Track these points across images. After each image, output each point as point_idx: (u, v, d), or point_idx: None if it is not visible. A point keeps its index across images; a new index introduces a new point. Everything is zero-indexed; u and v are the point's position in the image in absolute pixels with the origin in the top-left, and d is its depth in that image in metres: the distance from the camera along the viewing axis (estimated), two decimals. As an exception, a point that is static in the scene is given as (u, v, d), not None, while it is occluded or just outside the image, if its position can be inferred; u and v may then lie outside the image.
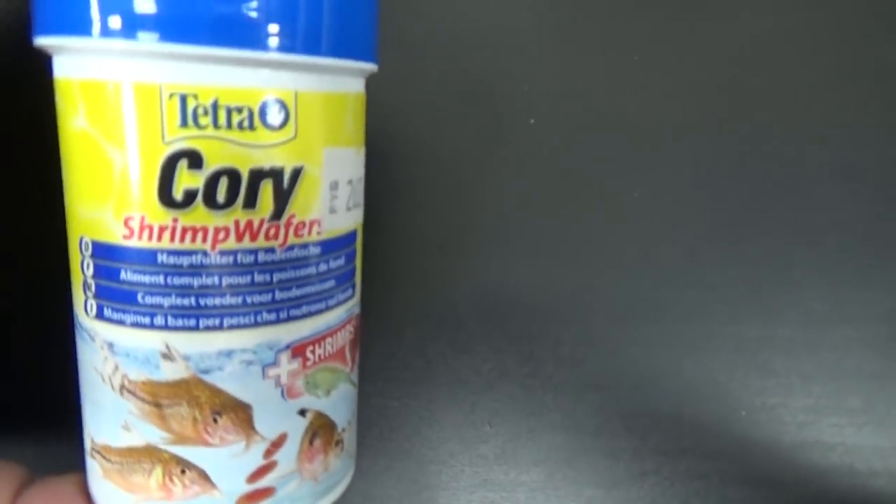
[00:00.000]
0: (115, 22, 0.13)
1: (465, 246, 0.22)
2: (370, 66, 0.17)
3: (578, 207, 0.23)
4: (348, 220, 0.17)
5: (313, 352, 0.17)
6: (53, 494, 0.17)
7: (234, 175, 0.14)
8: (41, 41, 0.14)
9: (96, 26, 0.13)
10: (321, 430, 0.17)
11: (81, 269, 0.15)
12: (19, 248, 0.21)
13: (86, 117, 0.14)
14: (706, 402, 0.22)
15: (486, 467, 0.23)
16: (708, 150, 0.22)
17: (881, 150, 0.22)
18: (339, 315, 0.17)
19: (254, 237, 0.15)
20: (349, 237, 0.17)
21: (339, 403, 0.18)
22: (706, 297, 0.22)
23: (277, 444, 0.17)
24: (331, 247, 0.17)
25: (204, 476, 0.16)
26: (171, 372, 0.15)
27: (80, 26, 0.13)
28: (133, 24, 0.13)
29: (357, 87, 0.17)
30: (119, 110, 0.14)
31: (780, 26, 0.22)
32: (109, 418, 0.16)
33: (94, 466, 0.17)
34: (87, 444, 0.17)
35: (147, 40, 0.13)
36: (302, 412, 0.17)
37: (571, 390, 0.22)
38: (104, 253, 0.15)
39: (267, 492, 0.17)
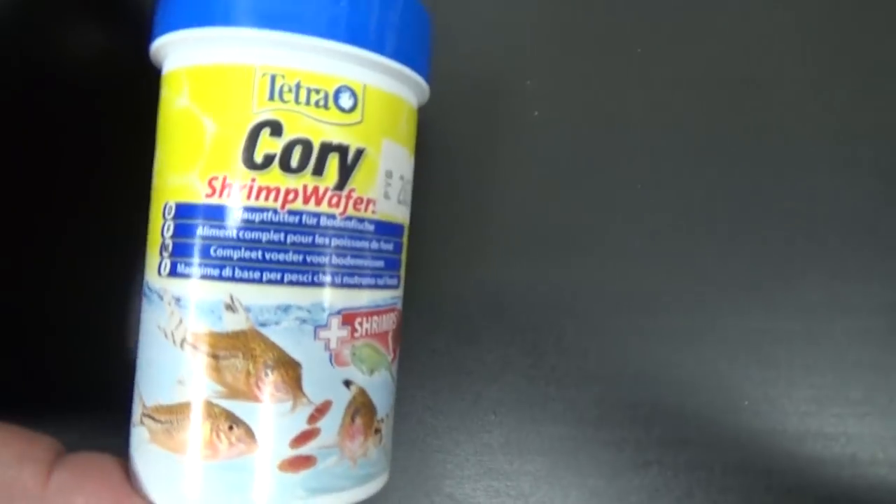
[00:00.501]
0: (220, 13, 0.16)
1: (468, 238, 0.23)
2: (423, 83, 0.19)
3: (582, 200, 0.23)
4: (398, 210, 0.19)
5: (361, 324, 0.18)
6: (89, 466, 0.17)
7: (307, 145, 0.17)
8: (159, 42, 0.17)
9: (204, 18, 0.16)
10: (363, 409, 0.18)
11: (161, 233, 0.17)
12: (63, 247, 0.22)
13: (189, 96, 0.17)
14: (708, 393, 0.22)
15: (490, 456, 0.22)
16: (709, 142, 0.23)
17: (881, 143, 0.23)
18: (386, 298, 0.19)
19: (318, 202, 0.17)
20: (398, 228, 0.19)
21: (380, 389, 0.19)
22: (708, 289, 0.23)
23: (322, 410, 0.17)
24: (383, 229, 0.18)
25: (250, 434, 0.16)
26: (232, 323, 0.16)
27: (190, 20, 0.17)
28: (236, 15, 0.16)
29: (411, 98, 0.19)
30: (219, 87, 0.17)
31: (782, 20, 0.23)
32: (166, 374, 0.17)
33: (140, 434, 0.17)
34: (137, 413, 0.17)
35: (248, 29, 0.16)
36: (347, 383, 0.17)
37: (574, 381, 0.23)
38: (186, 212, 0.17)
39: (308, 461, 0.17)
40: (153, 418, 0.17)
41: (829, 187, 0.23)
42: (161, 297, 0.17)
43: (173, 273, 0.17)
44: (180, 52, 0.17)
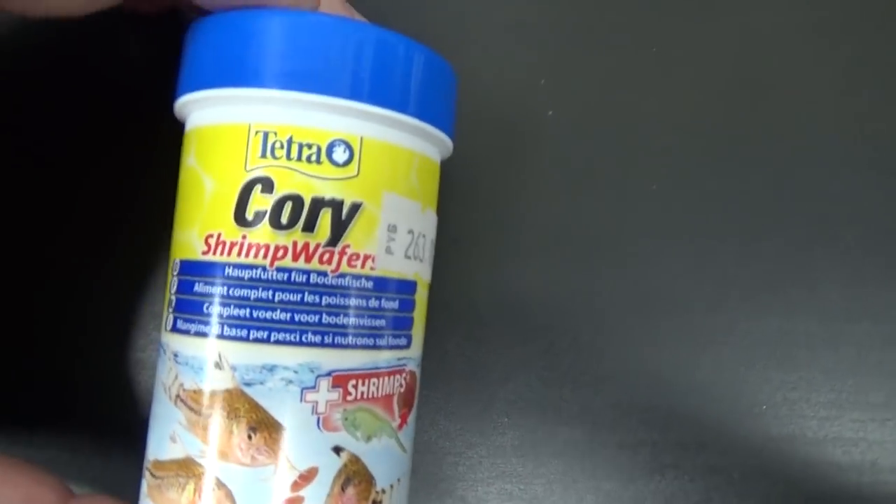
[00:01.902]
0: (216, 76, 0.17)
1: (482, 238, 0.23)
2: (438, 134, 0.19)
3: (598, 200, 0.23)
4: (406, 266, 0.18)
5: (355, 387, 0.17)
6: None
7: (297, 200, 0.16)
8: (177, 104, 0.18)
9: (204, 81, 0.17)
10: (355, 477, 0.17)
11: (169, 288, 0.18)
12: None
13: (195, 156, 0.17)
14: (726, 396, 0.22)
15: (503, 459, 0.22)
16: (727, 143, 0.23)
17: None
18: (389, 360, 0.18)
19: (308, 259, 0.16)
20: (406, 284, 0.18)
21: (381, 458, 0.17)
22: (726, 290, 0.22)
23: (307, 477, 0.16)
24: (384, 286, 0.17)
25: (230, 498, 0.16)
26: (218, 381, 0.16)
27: (194, 83, 0.17)
28: (230, 77, 0.17)
29: (426, 150, 0.19)
30: (218, 146, 0.17)
31: (800, 20, 0.23)
32: (162, 429, 0.17)
33: (142, 486, 0.17)
34: (145, 464, 0.18)
35: (241, 89, 0.16)
36: (336, 450, 0.17)
37: (590, 383, 0.22)
38: (186, 269, 0.17)
39: (290, 531, 0.16)
40: (151, 473, 0.17)
41: (850, 189, 0.22)
42: (164, 352, 0.17)
43: (174, 329, 0.17)
44: (192, 114, 0.18)
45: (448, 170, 0.22)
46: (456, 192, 0.23)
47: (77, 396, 0.22)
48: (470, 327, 0.22)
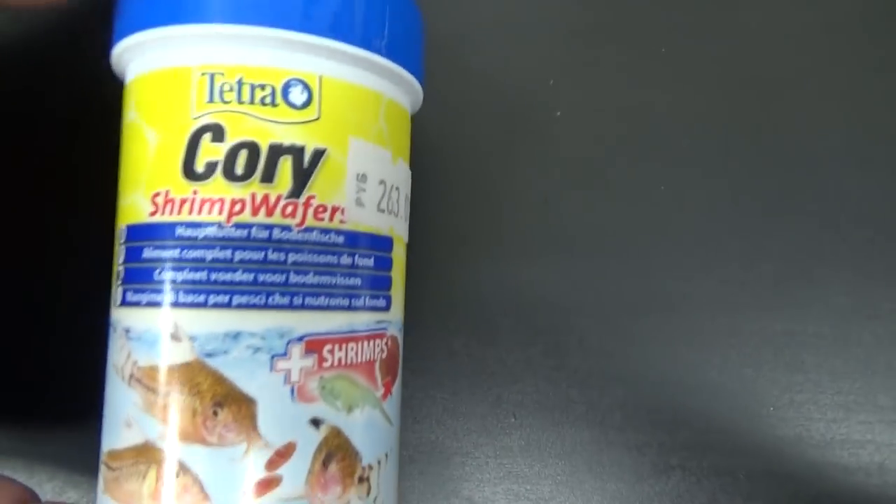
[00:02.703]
0: (154, 14, 0.15)
1: (489, 238, 0.22)
2: (407, 77, 0.17)
3: (604, 200, 0.23)
4: (380, 220, 0.16)
5: (331, 352, 0.15)
6: None
7: (253, 148, 0.15)
8: (113, 55, 0.16)
9: (139, 22, 0.15)
10: (338, 452, 0.15)
11: (116, 259, 0.16)
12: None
13: (135, 108, 0.16)
14: (733, 397, 0.22)
15: (510, 459, 0.22)
16: (734, 144, 0.23)
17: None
18: (367, 322, 0.16)
19: (270, 212, 0.15)
20: (381, 240, 0.16)
21: (365, 430, 0.16)
22: (733, 291, 0.22)
23: (283, 454, 0.14)
24: (356, 241, 0.16)
25: (197, 483, 0.14)
26: (176, 355, 0.14)
27: (130, 26, 0.15)
28: (168, 14, 0.15)
29: (395, 94, 0.17)
30: (157, 94, 0.15)
31: (808, 20, 0.23)
32: (116, 415, 0.15)
33: (99, 483, 0.16)
34: (101, 458, 0.16)
35: (181, 26, 0.15)
36: (315, 422, 0.15)
37: (597, 384, 0.22)
38: (133, 234, 0.15)
39: (267, 516, 0.14)
40: (108, 465, 0.15)
41: (857, 189, 0.23)
42: (115, 330, 0.16)
43: (124, 302, 0.15)
44: (128, 63, 0.16)
45: (456, 169, 0.23)
46: (463, 190, 0.23)
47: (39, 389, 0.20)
48: (477, 327, 0.22)
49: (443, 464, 0.22)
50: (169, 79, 0.15)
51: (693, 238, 0.23)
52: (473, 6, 0.24)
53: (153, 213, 0.15)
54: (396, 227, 0.17)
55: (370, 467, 0.16)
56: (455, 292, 0.22)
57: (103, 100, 0.17)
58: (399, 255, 0.17)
